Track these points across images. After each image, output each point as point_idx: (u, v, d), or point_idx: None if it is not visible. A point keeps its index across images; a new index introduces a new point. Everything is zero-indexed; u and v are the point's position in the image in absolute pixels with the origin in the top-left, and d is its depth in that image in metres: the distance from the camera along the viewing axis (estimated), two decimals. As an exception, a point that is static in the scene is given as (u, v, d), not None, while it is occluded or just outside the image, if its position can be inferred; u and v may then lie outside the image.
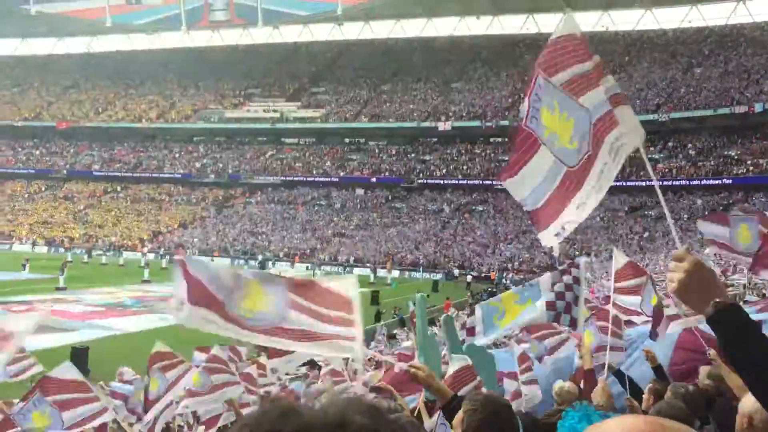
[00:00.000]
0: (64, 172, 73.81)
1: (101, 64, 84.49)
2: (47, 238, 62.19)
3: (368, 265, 49.59)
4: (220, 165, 71.12)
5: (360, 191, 64.88)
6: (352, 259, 52.67)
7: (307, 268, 49.47)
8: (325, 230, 59.35)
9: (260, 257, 53.67)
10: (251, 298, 3.18)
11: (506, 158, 61.74)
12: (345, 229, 59.06)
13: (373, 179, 64.64)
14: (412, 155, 66.69)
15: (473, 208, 59.53)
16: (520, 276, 41.91)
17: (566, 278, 4.25)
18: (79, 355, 17.38)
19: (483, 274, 46.99)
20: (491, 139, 64.13)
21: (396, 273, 47.73)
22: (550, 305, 3.96)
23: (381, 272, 47.37)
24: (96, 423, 4.77)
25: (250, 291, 3.19)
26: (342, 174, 66.52)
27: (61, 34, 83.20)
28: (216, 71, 79.70)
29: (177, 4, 71.38)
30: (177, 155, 74.13)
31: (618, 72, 64.75)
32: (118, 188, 72.03)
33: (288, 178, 67.43)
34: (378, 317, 28.02)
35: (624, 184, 54.10)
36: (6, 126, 78.01)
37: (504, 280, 43.08)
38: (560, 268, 4.32)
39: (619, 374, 5.12)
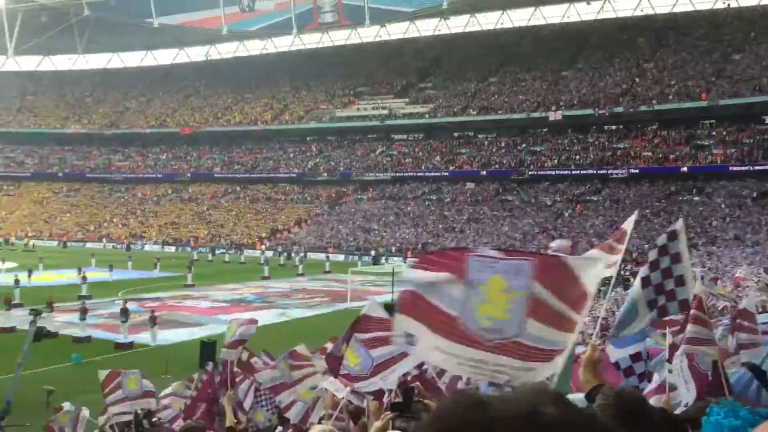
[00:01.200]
0: (188, 175, 78.02)
1: (219, 70, 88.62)
2: (175, 238, 65.99)
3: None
4: (332, 163, 72.92)
5: (470, 185, 64.68)
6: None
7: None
8: (436, 225, 59.63)
9: (373, 252, 54.70)
10: (493, 302, 2.47)
11: (622, 146, 59.80)
12: (456, 223, 59.09)
13: (483, 172, 64.22)
14: (522, 147, 65.71)
15: (587, 198, 57.97)
16: (639, 268, 40.43)
17: (664, 261, 3.69)
18: (207, 349, 18.44)
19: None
20: (605, 127, 62.24)
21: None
22: (650, 303, 3.57)
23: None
24: (402, 367, 4.35)
25: (492, 288, 2.46)
26: (451, 168, 66.52)
27: (181, 44, 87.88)
28: (326, 72, 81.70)
29: (288, 9, 73.70)
30: (291, 155, 76.64)
31: (742, 51, 61.17)
32: (238, 189, 75.37)
33: (398, 174, 68.21)
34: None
35: (751, 168, 51.10)
36: (135, 134, 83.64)
37: (623, 272, 41.71)
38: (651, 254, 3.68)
39: (755, 369, 4.79)
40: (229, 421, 5.60)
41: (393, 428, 3.35)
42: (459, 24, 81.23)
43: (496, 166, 64.54)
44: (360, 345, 4.44)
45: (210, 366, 10.85)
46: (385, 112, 73.02)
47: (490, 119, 67.65)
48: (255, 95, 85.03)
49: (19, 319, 24.41)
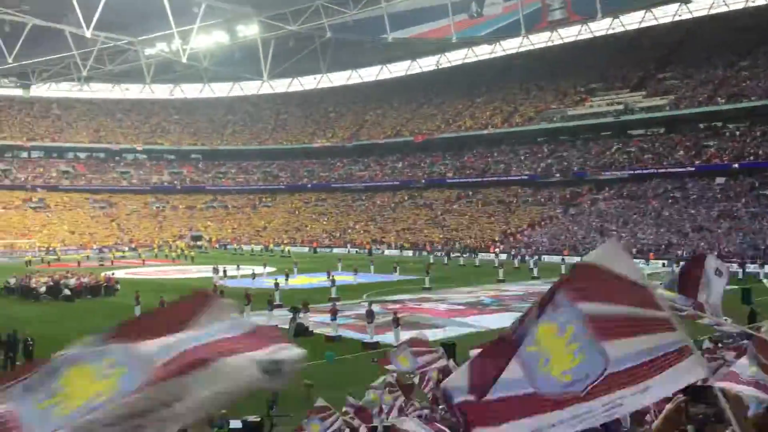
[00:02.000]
0: (423, 181, 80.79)
1: (449, 78, 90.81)
2: (412, 243, 68.64)
3: (734, 260, 45.09)
4: (565, 163, 71.08)
5: (720, 180, 59.27)
6: (715, 254, 48.28)
7: (663, 264, 46.87)
8: (682, 224, 55.47)
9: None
10: (556, 353, 2.11)
11: None
12: (705, 222, 54.48)
13: (735, 165, 58.46)
14: (783, 135, 58.85)
15: None
16: None
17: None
18: (447, 351, 18.95)
19: None
20: None
21: (769, 268, 42.67)
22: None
23: (751, 267, 42.85)
24: None
25: (544, 340, 2.13)
26: (698, 162, 61.50)
27: (414, 55, 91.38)
28: (555, 70, 79.98)
29: (516, 11, 73.29)
30: (522, 157, 76.04)
31: None
32: (470, 193, 76.44)
33: (636, 172, 64.58)
34: (753, 317, 25.40)
35: None
36: (373, 144, 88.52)
37: None
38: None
39: None
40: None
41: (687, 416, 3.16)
42: (702, 6, 74.97)
43: (751, 158, 58.39)
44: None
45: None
46: (621, 107, 69.56)
47: (742, 107, 61.48)
48: (484, 99, 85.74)
49: (280, 318, 27.07)
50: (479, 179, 76.79)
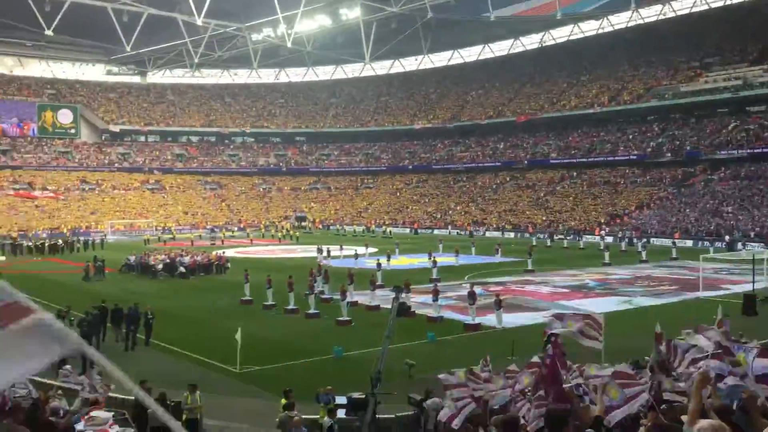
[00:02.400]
0: (525, 162, 79.42)
1: (553, 56, 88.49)
2: (513, 224, 67.77)
3: None
4: (677, 143, 67.92)
5: None
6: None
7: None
8: (806, 207, 52.00)
9: (727, 237, 49.79)
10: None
11: None
12: (833, 205, 50.84)
13: None
14: None
15: None
16: None
17: None
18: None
19: None
20: None
21: None
22: None
23: None
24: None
25: None
26: (825, 141, 57.33)
27: (517, 34, 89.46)
28: (667, 45, 76.34)
29: (625, -16, 70.29)
30: (630, 137, 73.28)
31: None
32: (574, 174, 74.48)
33: (756, 151, 60.84)
34: None
35: None
36: (475, 125, 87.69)
37: None
38: None
39: None
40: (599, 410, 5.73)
41: None
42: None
43: None
44: None
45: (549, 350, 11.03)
46: (739, 82, 65.56)
47: None
48: (590, 77, 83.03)
49: (382, 298, 27.52)
50: (584, 159, 74.66)
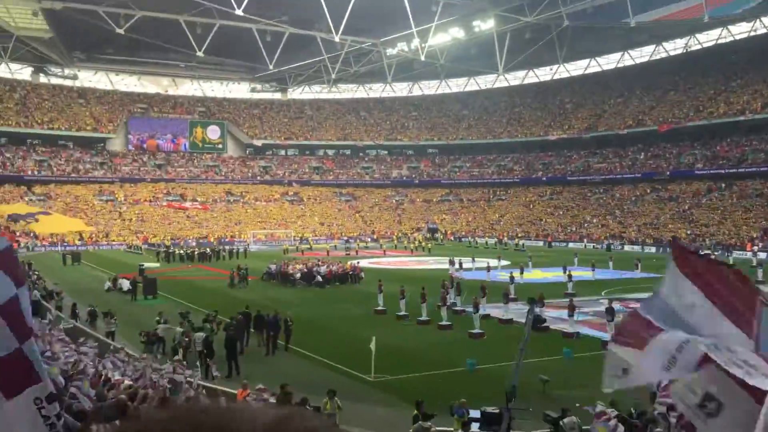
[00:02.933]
0: (667, 173, 75.61)
1: (699, 61, 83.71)
2: (655, 238, 64.66)
3: None
4: (843, 151, 62.26)
5: None
6: None
7: None
8: None
9: None
10: None
11: None
12: None
13: None
14: None
15: None
16: None
17: None
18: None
19: None
20: None
21: None
22: None
23: None
24: None
25: None
26: None
27: (659, 39, 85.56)
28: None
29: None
30: (787, 145, 68.04)
31: None
32: (723, 185, 70.04)
33: None
34: None
35: None
36: (613, 135, 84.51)
37: None
38: None
39: None
40: None
41: None
42: None
43: None
44: None
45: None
46: None
47: None
48: (741, 83, 77.81)
49: (515, 312, 27.17)
50: (734, 170, 69.99)
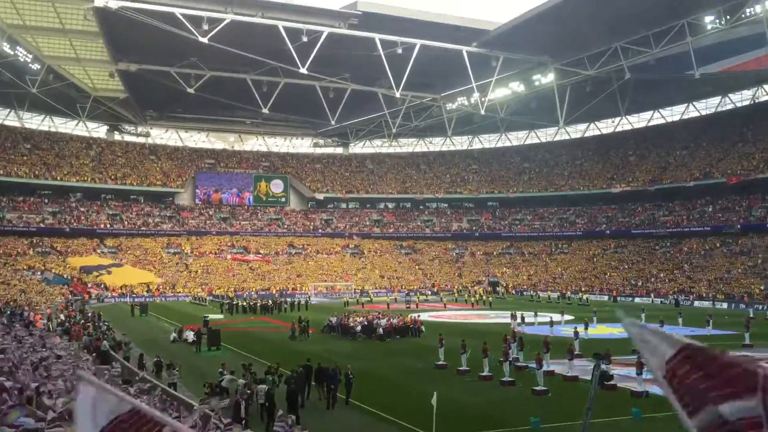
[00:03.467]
0: (738, 226, 73.24)
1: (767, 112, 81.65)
2: (726, 294, 62.38)
3: None
4: None
5: None
6: None
7: None
8: None
9: None
10: None
11: None
12: None
13: None
14: None
15: None
16: None
17: None
18: None
19: None
20: None
21: None
22: None
23: None
24: None
25: None
26: None
27: (725, 90, 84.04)
28: None
29: None
30: None
31: None
32: (798, 239, 67.39)
33: None
34: None
35: None
36: (678, 187, 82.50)
37: None
38: None
39: None
40: None
41: None
42: None
43: None
44: None
45: None
46: None
47: None
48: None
49: (580, 369, 26.48)
50: (810, 223, 67.37)
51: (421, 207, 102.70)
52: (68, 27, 58.35)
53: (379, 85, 73.60)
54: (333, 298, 74.29)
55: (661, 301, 63.95)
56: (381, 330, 39.82)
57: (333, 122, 79.18)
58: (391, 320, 42.21)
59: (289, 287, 77.55)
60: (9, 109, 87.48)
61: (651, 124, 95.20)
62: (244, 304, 60.69)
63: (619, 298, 68.41)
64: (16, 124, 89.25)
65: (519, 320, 43.65)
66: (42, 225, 78.77)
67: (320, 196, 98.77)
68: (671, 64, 68.57)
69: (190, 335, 36.98)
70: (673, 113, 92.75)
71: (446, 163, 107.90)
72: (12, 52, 60.45)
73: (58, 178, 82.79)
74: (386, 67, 63.02)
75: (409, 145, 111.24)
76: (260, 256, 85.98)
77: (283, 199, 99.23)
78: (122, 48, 65.40)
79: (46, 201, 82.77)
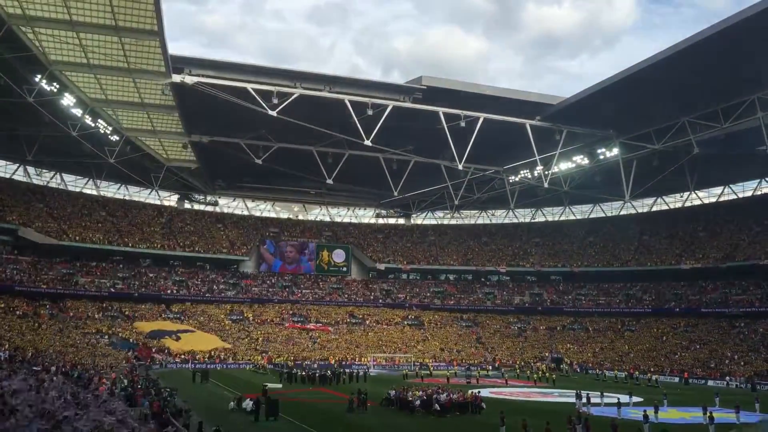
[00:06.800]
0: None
1: None
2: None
3: None
4: None
5: None
6: None
7: None
8: None
9: None
10: None
11: None
12: None
13: None
14: None
15: None
16: None
17: None
18: None
19: None
20: None
21: None
22: None
23: None
24: None
25: None
26: None
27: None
28: None
29: None
30: None
31: None
32: None
33: None
34: None
35: None
36: (752, 265, 79.10)
37: None
38: None
39: None
40: None
41: None
42: None
43: None
44: None
45: None
46: None
47: None
48: None
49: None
50: None
51: (482, 279, 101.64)
52: (146, 101, 61.42)
53: (442, 157, 74.30)
54: (392, 369, 73.36)
55: (737, 385, 60.76)
56: (439, 405, 38.95)
57: (396, 193, 79.95)
58: (451, 395, 41.29)
59: (348, 357, 77.10)
60: (88, 178, 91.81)
61: (721, 200, 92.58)
62: (303, 373, 60.52)
63: (690, 380, 65.34)
64: (94, 192, 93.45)
65: (584, 400, 42.07)
66: (112, 290, 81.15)
67: (381, 267, 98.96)
68: (742, 140, 67.11)
69: (249, 404, 36.97)
70: (744, 189, 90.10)
71: (508, 235, 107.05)
72: (93, 125, 63.75)
73: (130, 245, 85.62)
74: (449, 140, 63.75)
75: (471, 217, 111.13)
76: (320, 325, 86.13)
77: (345, 269, 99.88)
78: (195, 120, 68.28)
79: (120, 266, 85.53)
